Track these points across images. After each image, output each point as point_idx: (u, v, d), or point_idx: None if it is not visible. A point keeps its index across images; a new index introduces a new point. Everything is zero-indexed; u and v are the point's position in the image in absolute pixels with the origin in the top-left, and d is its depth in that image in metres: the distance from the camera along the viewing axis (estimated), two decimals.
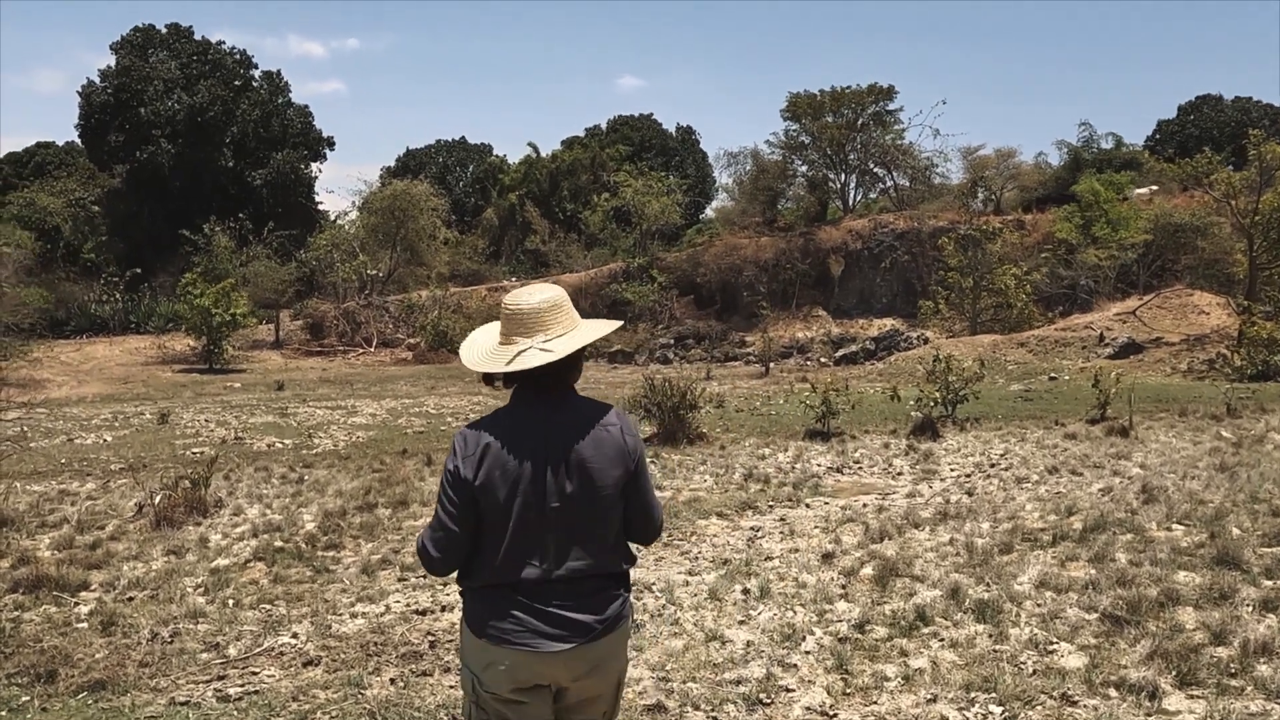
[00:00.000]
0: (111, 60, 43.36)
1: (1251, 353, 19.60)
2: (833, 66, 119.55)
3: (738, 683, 4.42)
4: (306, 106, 47.00)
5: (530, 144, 53.68)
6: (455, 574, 2.49)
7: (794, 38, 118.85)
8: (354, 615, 5.63)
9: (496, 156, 58.22)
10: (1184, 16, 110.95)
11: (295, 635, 5.28)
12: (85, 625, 5.49)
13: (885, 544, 6.77)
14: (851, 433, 12.52)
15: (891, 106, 39.13)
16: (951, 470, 10.05)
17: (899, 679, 4.40)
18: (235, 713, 4.31)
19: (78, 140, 45.41)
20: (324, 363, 30.62)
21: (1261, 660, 4.38)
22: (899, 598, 5.54)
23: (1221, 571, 5.64)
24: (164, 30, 44.68)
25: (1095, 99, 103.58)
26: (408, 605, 5.77)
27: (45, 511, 8.61)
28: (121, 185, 41.85)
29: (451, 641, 5.04)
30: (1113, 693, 4.17)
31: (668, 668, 4.63)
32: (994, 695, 4.16)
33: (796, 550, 6.79)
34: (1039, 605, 5.27)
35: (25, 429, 15.36)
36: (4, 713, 4.34)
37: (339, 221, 43.44)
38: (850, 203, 41.01)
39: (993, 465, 10.20)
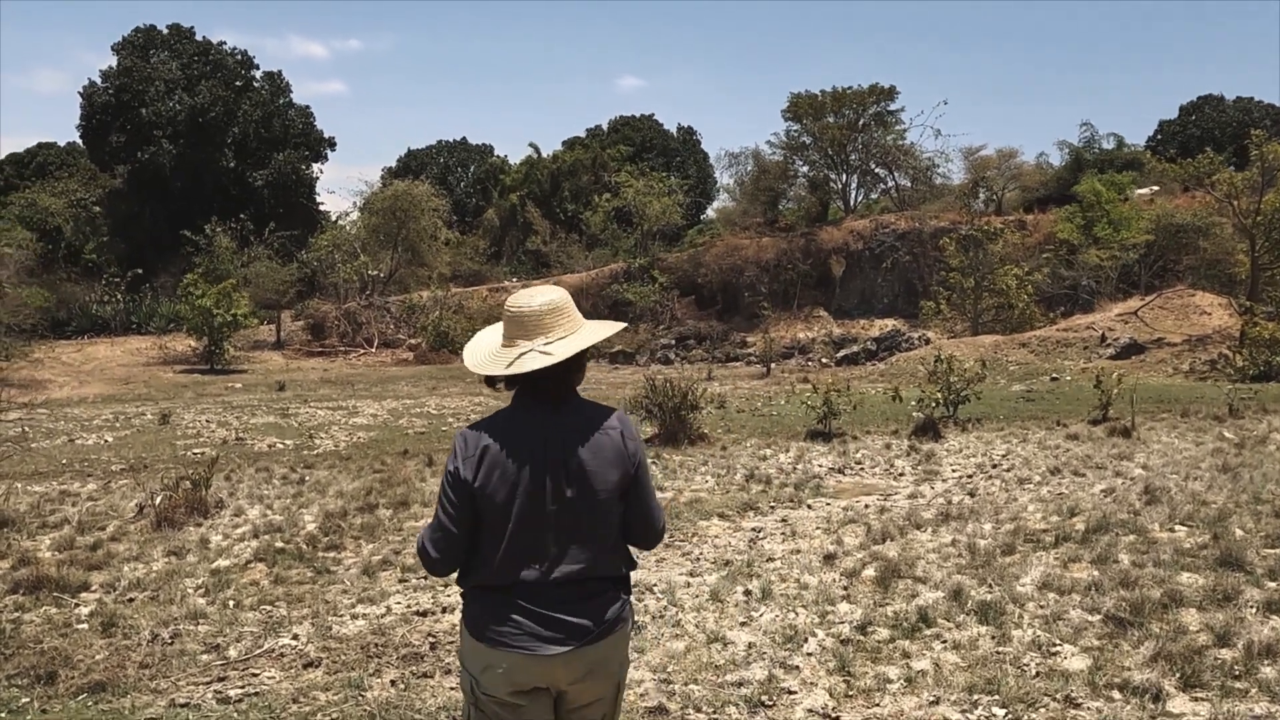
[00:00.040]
0: (113, 61, 43.46)
1: (1253, 353, 19.57)
2: (834, 67, 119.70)
3: (739, 684, 4.41)
4: (308, 107, 47.13)
5: (531, 144, 53.91)
6: (456, 575, 2.48)
7: (795, 38, 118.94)
8: (355, 617, 5.61)
9: (498, 157, 58.27)
10: (1185, 16, 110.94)
11: (296, 637, 5.27)
12: (85, 626, 5.48)
13: (887, 545, 6.75)
14: (853, 433, 12.50)
15: (893, 107, 39.15)
16: (953, 471, 10.04)
17: (901, 681, 4.38)
18: (235, 715, 4.29)
19: (79, 141, 45.49)
20: (325, 363, 30.63)
21: (1266, 662, 4.36)
22: (901, 599, 5.52)
23: (1225, 573, 5.62)
24: (165, 31, 44.73)
25: (1097, 99, 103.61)
26: (408, 607, 5.76)
27: (46, 512, 8.60)
28: (123, 186, 41.88)
29: (452, 643, 5.03)
30: (1116, 695, 4.15)
31: (669, 669, 4.62)
32: (997, 697, 4.15)
33: (798, 551, 6.77)
34: (1042, 607, 5.25)
35: (26, 429, 15.36)
36: (4, 715, 4.33)
37: (340, 222, 43.47)
38: (851, 203, 41.00)
39: (994, 466, 10.19)
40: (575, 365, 2.46)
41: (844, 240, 34.89)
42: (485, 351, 2.51)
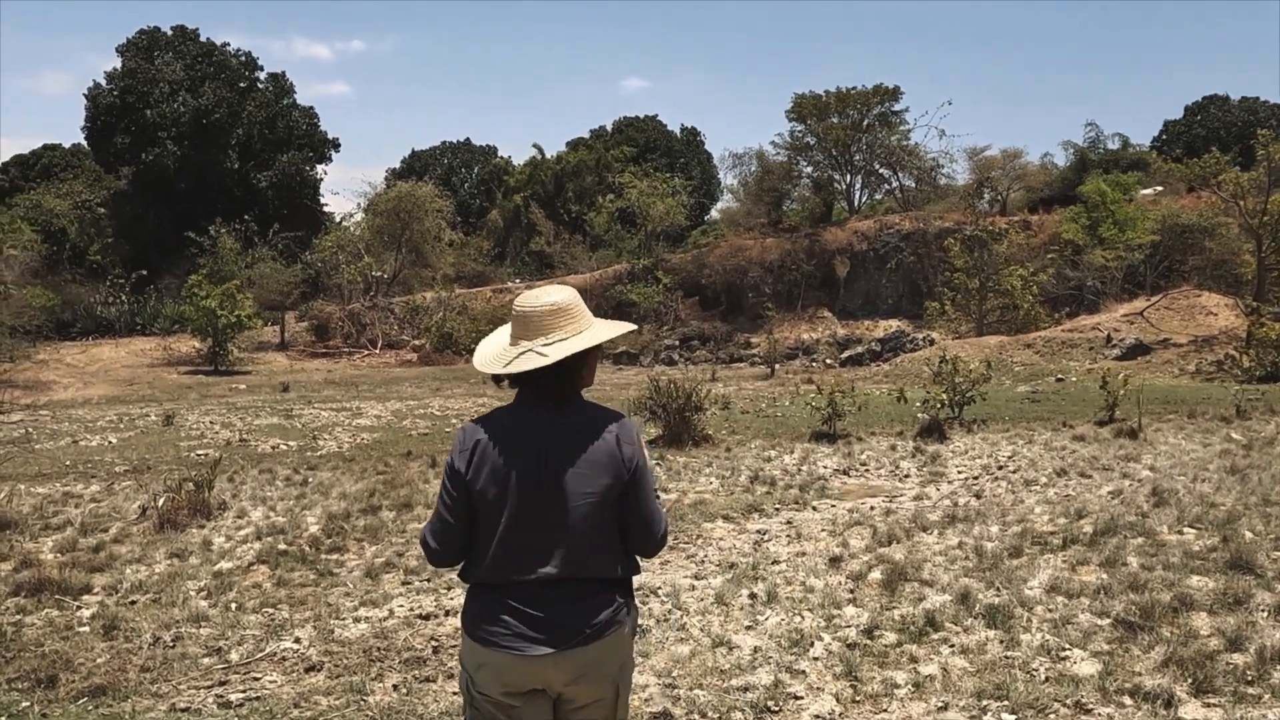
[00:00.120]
0: (117, 62, 43.54)
1: (1260, 354, 19.49)
2: (838, 67, 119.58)
3: (745, 690, 4.36)
4: (312, 108, 47.15)
5: (535, 145, 53.93)
6: (459, 570, 2.49)
7: (799, 39, 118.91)
8: (357, 620, 5.58)
9: (501, 158, 58.29)
10: (1190, 16, 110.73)
11: (298, 640, 5.23)
12: (87, 629, 5.45)
13: (893, 547, 6.70)
14: (858, 435, 12.45)
15: (897, 107, 39.09)
16: (959, 472, 9.98)
17: (909, 686, 4.34)
18: (236, 719, 4.26)
19: (84, 142, 45.58)
20: (329, 364, 30.64)
21: (1278, 668, 4.31)
22: (908, 602, 5.47)
23: (1235, 576, 5.57)
24: (169, 33, 44.80)
25: (1101, 99, 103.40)
26: (411, 609, 5.72)
27: (49, 514, 8.59)
28: (127, 187, 41.95)
29: (455, 647, 4.99)
30: (1127, 700, 4.10)
31: (674, 674, 4.58)
32: (1006, 703, 4.10)
33: (803, 554, 6.73)
34: (1050, 610, 5.20)
35: (30, 431, 15.36)
36: (4, 718, 4.30)
37: (344, 223, 43.57)
38: (856, 204, 40.93)
39: (1000, 467, 10.13)
40: (578, 366, 2.45)
41: (848, 241, 34.82)
42: (493, 350, 2.52)
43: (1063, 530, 6.91)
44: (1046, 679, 4.34)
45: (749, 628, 5.20)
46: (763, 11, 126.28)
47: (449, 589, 6.01)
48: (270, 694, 4.51)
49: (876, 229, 35.02)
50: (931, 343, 27.70)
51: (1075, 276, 29.36)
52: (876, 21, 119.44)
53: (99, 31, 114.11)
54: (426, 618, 5.57)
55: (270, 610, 5.77)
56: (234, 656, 5.02)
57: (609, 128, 55.21)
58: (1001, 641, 4.81)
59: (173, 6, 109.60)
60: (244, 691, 4.55)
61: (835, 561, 6.40)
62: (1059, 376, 20.41)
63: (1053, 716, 4.00)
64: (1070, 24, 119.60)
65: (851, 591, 5.74)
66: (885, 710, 4.14)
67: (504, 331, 2.56)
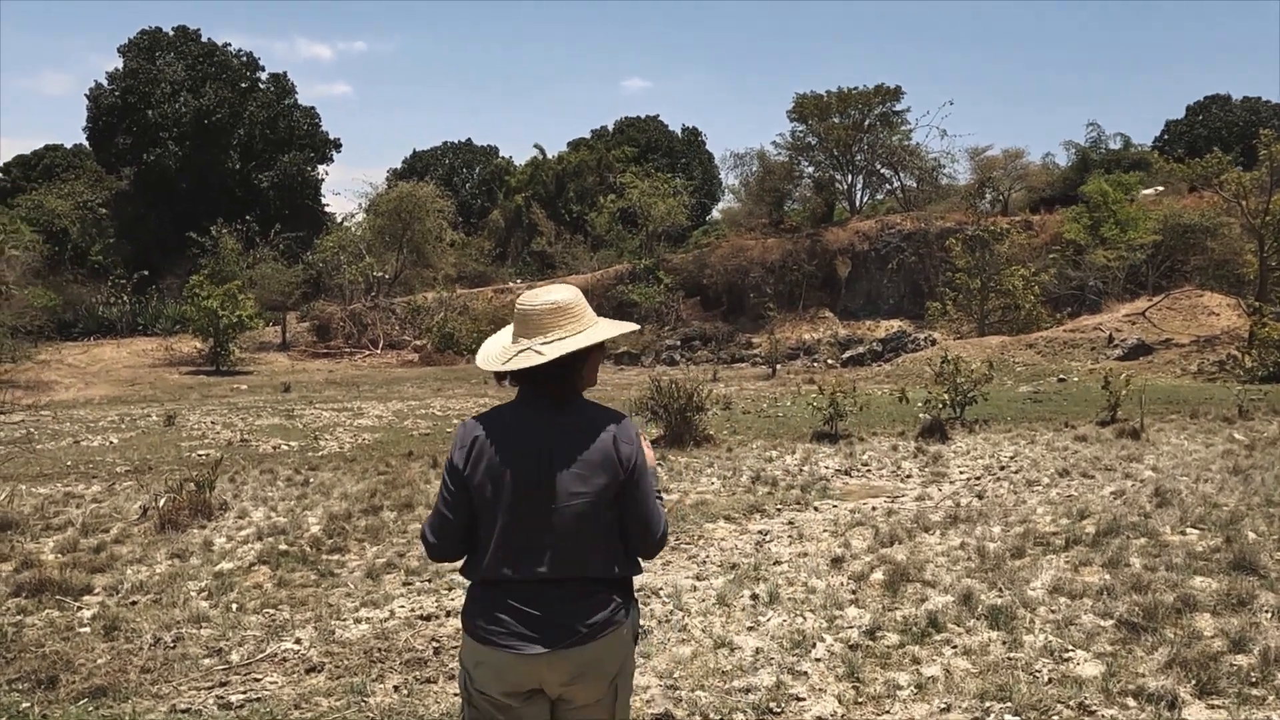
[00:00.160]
0: (119, 63, 43.59)
1: (1262, 354, 19.47)
2: (839, 67, 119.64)
3: (747, 691, 4.35)
4: (313, 109, 47.21)
5: (536, 146, 53.95)
6: (460, 567, 2.49)
7: (800, 39, 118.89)
8: (358, 620, 5.56)
9: (503, 158, 58.33)
10: (1191, 16, 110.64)
11: (299, 641, 5.22)
12: (87, 630, 5.44)
13: (895, 548, 6.68)
14: (859, 435, 12.43)
15: (898, 107, 39.11)
16: (961, 473, 9.96)
17: (912, 687, 4.32)
18: None
19: (85, 143, 45.61)
20: (330, 364, 30.64)
21: None
22: (910, 603, 5.46)
23: (1239, 576, 5.55)
24: (171, 33, 44.84)
25: (1103, 99, 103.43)
26: (412, 610, 5.70)
27: (50, 514, 8.58)
28: (129, 187, 41.97)
29: (455, 648, 4.97)
30: (1131, 702, 4.08)
31: (675, 675, 4.56)
32: (1009, 705, 4.08)
33: (805, 554, 6.71)
34: (1053, 611, 5.18)
35: (32, 431, 15.36)
36: (4, 719, 4.29)
37: (345, 223, 43.56)
38: (857, 204, 40.92)
39: (1002, 468, 10.11)
40: (577, 365, 2.45)
41: (849, 241, 34.81)
42: (495, 348, 2.53)
43: (1065, 531, 6.89)
44: (1050, 680, 4.32)
45: (751, 629, 5.18)
46: (763, 11, 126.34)
47: (450, 590, 6.00)
48: (271, 695, 4.50)
49: (878, 229, 35.01)
50: (933, 343, 27.68)
51: (1077, 276, 29.34)
52: (877, 21, 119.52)
53: (100, 31, 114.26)
54: (427, 618, 5.56)
55: (271, 611, 5.76)
56: (235, 657, 5.01)
57: (610, 128, 55.25)
58: (1004, 642, 4.79)
59: (174, 7, 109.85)
60: (245, 692, 4.54)
61: (837, 562, 6.38)
62: (1061, 377, 20.38)
63: (1056, 718, 3.98)
64: (1071, 24, 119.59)
65: (853, 592, 5.73)
66: (888, 711, 4.13)
67: (508, 330, 2.56)
